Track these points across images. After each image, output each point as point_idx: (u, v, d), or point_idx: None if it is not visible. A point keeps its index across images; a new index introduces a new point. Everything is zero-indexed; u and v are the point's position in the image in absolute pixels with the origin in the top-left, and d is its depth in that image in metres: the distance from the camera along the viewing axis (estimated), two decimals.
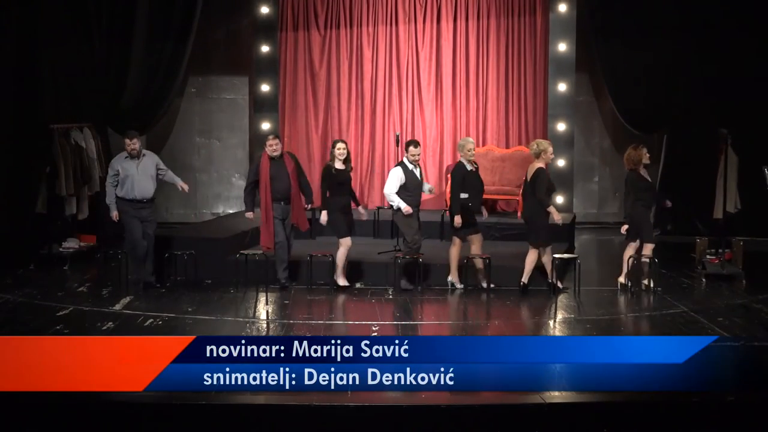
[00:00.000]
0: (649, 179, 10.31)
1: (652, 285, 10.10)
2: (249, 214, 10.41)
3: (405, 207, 10.01)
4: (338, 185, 10.11)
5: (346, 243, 10.16)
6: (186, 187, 10.57)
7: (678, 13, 12.93)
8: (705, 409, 6.73)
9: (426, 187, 10.36)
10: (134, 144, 10.26)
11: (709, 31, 12.84)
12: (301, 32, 14.48)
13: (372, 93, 14.47)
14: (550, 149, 10.22)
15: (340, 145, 10.18)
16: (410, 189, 10.09)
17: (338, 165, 10.12)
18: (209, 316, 9.06)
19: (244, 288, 10.15)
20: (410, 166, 10.14)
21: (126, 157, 10.29)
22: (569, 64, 14.13)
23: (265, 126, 14.23)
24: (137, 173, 10.21)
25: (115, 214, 10.30)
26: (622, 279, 10.25)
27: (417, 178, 10.14)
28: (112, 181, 10.27)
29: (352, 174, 10.50)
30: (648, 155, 10.23)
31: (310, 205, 10.44)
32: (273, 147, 10.14)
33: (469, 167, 10.20)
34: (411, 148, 10.19)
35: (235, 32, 14.64)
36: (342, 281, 10.26)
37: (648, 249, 10.10)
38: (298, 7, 14.44)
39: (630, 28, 13.25)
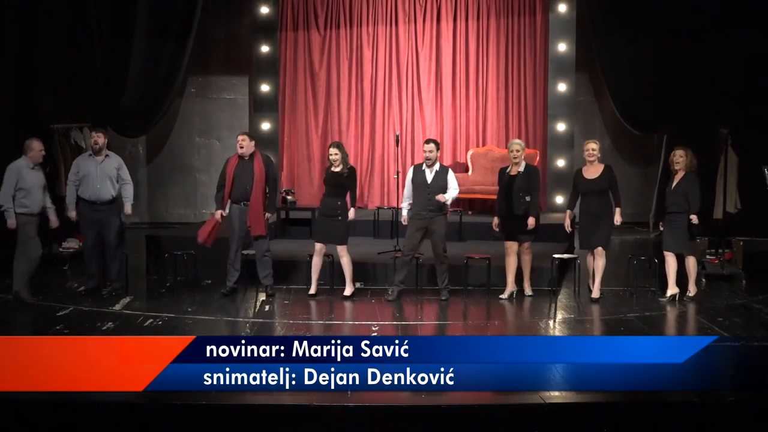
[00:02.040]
0: (674, 183, 9.81)
1: (691, 293, 9.88)
2: (217, 213, 10.03)
3: (403, 215, 9.88)
4: (327, 186, 9.94)
5: (316, 248, 9.94)
6: (128, 212, 10.06)
7: (678, 13, 12.92)
8: (704, 409, 6.72)
9: (447, 195, 9.83)
10: (98, 137, 9.81)
11: (709, 30, 12.83)
12: (301, 32, 14.48)
13: (372, 93, 14.47)
14: (585, 146, 9.91)
15: (331, 150, 9.94)
16: (415, 190, 9.83)
17: (334, 168, 9.94)
18: (209, 317, 9.05)
19: (243, 288, 10.14)
20: (423, 166, 9.88)
21: (89, 155, 9.94)
22: (569, 64, 14.14)
23: (265, 126, 14.25)
24: (96, 173, 9.78)
25: (72, 214, 9.94)
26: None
27: (425, 178, 9.78)
28: (73, 180, 9.89)
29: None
30: (677, 158, 9.79)
31: (268, 214, 9.94)
32: (239, 144, 9.81)
33: (508, 169, 9.88)
34: (424, 145, 9.96)
35: (235, 32, 14.65)
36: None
37: (690, 261, 9.87)
38: (298, 7, 14.45)
39: (630, 28, 13.24)
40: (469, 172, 13.81)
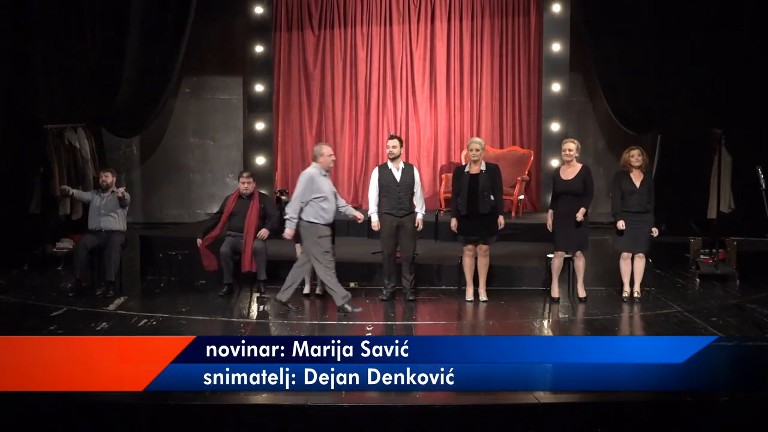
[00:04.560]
0: (637, 182, 9.76)
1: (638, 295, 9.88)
2: (199, 241, 9.99)
3: (374, 220, 9.71)
4: None
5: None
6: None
7: (672, 14, 12.96)
8: (701, 410, 6.74)
9: (419, 214, 9.73)
10: (105, 177, 10.23)
11: (703, 31, 12.87)
12: (295, 32, 14.47)
13: (366, 93, 14.47)
14: (563, 146, 9.82)
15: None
16: (383, 191, 9.68)
17: None
18: (203, 317, 9.04)
19: (238, 288, 10.12)
20: (389, 165, 9.72)
21: (98, 192, 10.36)
22: (563, 64, 14.16)
23: (259, 126, 14.24)
24: (100, 209, 10.24)
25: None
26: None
27: (393, 177, 9.62)
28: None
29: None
30: (637, 157, 9.75)
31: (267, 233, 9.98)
32: (245, 186, 9.91)
33: (467, 168, 9.68)
34: (388, 141, 9.79)
35: (229, 32, 14.61)
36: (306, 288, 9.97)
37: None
38: (292, 7, 14.44)
39: (623, 28, 13.26)
40: None
